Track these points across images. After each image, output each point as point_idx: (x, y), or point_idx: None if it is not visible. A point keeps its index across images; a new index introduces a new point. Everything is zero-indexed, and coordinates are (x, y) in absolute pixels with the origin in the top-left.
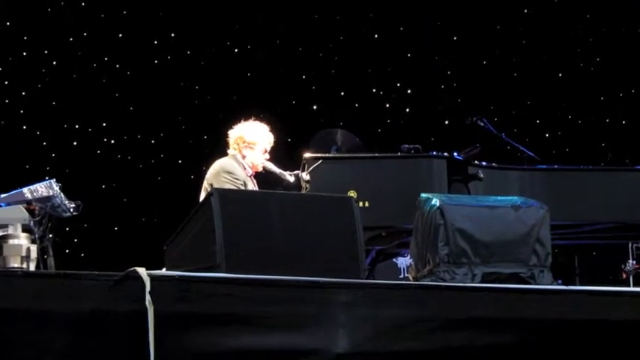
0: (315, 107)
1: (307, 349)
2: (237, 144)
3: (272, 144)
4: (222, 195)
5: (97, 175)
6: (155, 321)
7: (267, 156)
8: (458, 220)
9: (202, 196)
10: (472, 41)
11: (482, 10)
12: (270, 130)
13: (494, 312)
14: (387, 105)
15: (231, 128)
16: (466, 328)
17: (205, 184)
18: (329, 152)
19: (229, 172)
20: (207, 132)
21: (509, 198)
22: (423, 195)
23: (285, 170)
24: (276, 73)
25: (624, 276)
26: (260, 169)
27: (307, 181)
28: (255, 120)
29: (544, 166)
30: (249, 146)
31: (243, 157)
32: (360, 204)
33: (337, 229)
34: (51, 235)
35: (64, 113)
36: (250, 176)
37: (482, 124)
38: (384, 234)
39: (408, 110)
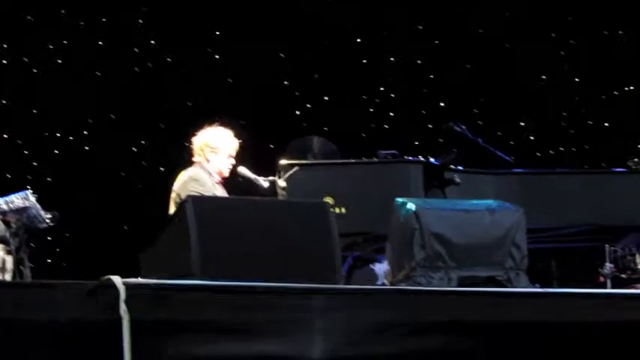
0: (297, 112)
1: (284, 356)
2: (202, 150)
3: (237, 149)
4: (196, 202)
5: (76, 184)
6: (131, 329)
7: (233, 161)
8: (433, 224)
9: (171, 208)
10: (455, 45)
11: (466, 14)
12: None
13: (471, 315)
14: (371, 109)
15: (195, 136)
16: (443, 332)
17: (173, 196)
18: (305, 159)
19: (196, 180)
20: (188, 139)
21: (485, 201)
22: (399, 199)
23: (260, 176)
24: (257, 78)
25: (601, 279)
26: (226, 174)
27: (283, 188)
28: (218, 125)
29: (519, 170)
30: (214, 151)
31: (208, 161)
32: (337, 210)
33: (313, 236)
34: (27, 247)
35: (43, 122)
36: (218, 183)
37: (458, 129)
38: (361, 240)
39: (391, 115)
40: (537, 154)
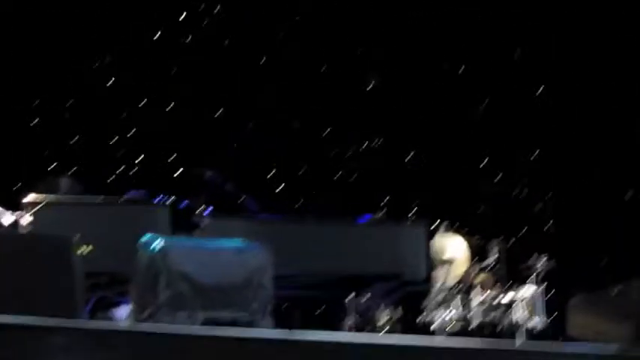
0: (46, 153)
1: None
2: None
3: None
4: None
5: None
6: None
7: None
8: (179, 263)
9: None
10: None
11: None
12: None
13: (211, 357)
14: (122, 152)
15: None
16: None
17: None
18: (52, 197)
19: None
20: None
21: (233, 242)
22: (145, 238)
23: (4, 212)
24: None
25: (348, 329)
26: None
27: (28, 225)
28: None
29: (266, 217)
30: None
31: None
32: (83, 250)
33: (54, 271)
34: None
35: None
36: None
37: (209, 174)
38: (107, 280)
39: (140, 158)
40: (287, 203)
